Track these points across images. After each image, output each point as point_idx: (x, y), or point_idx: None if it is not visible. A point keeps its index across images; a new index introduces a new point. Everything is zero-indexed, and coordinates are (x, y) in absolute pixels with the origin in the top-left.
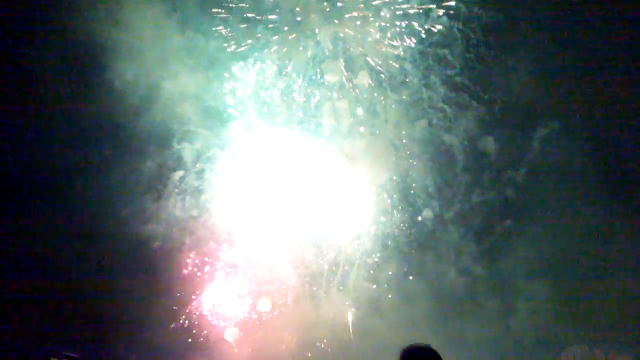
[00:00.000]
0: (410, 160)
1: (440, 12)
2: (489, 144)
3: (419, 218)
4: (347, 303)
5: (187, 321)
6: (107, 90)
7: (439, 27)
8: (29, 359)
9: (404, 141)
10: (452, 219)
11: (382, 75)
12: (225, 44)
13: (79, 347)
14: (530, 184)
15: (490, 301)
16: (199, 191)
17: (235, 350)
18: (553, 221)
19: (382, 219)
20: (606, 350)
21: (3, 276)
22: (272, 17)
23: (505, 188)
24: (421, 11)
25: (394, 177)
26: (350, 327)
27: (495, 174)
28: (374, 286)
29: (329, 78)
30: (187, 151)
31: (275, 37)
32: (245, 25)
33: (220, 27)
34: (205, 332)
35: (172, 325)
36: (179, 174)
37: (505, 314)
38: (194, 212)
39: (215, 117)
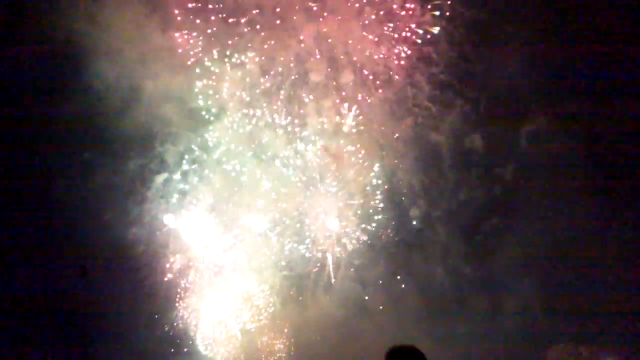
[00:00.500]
0: (396, 160)
1: (425, 10)
2: (476, 141)
3: (406, 217)
4: (335, 305)
5: (171, 327)
6: (87, 91)
7: (424, 25)
8: None
9: (393, 143)
10: (439, 218)
11: (367, 74)
12: (207, 44)
13: (61, 354)
14: (518, 182)
15: (478, 300)
16: (183, 194)
17: (222, 355)
18: (540, 219)
19: (369, 219)
20: (592, 349)
21: None
22: (255, 17)
23: (493, 186)
24: (407, 11)
25: (380, 176)
26: (338, 328)
27: (482, 171)
28: (362, 290)
29: (313, 77)
30: (170, 153)
31: (258, 37)
32: (227, 25)
33: (202, 27)
34: (190, 341)
35: (157, 333)
36: (162, 176)
37: (493, 312)
38: (178, 215)
39: (198, 118)
